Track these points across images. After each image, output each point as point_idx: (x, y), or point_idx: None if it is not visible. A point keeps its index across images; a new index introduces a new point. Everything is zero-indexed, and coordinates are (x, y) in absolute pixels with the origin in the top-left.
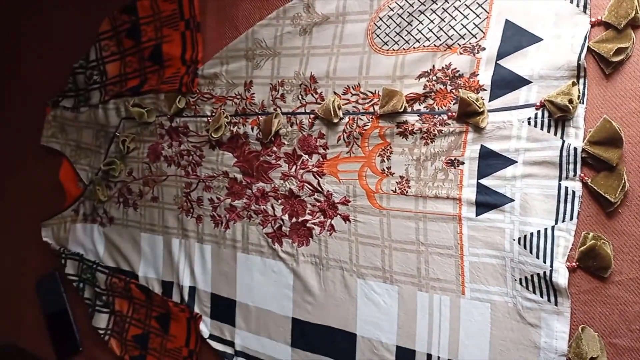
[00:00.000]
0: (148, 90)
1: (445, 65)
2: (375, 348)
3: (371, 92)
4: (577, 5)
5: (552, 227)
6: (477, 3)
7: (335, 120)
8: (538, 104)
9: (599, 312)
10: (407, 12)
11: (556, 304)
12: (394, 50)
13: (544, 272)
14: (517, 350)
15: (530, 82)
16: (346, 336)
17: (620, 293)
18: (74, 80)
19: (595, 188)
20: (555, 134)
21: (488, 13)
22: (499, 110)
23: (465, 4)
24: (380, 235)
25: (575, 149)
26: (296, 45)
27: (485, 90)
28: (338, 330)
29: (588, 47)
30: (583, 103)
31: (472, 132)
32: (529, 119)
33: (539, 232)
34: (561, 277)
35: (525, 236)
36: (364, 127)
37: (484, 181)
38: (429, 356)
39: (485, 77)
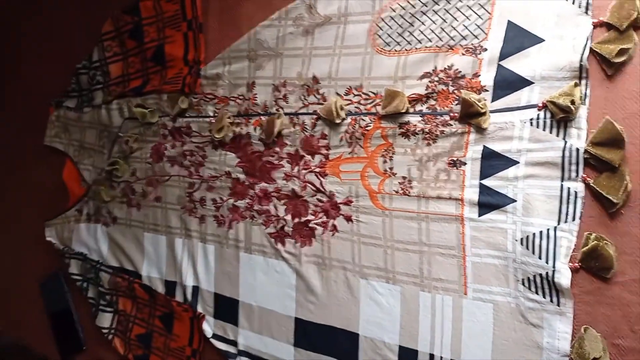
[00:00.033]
0: (151, 90)
1: (448, 66)
2: (377, 348)
3: (373, 93)
4: (579, 7)
5: (555, 228)
6: (479, 4)
7: (338, 121)
8: (540, 104)
9: (602, 313)
10: (409, 13)
11: (559, 305)
12: (396, 51)
13: (547, 273)
14: (519, 351)
15: (533, 82)
16: (349, 336)
17: (622, 294)
18: (77, 81)
19: (598, 189)
20: (558, 135)
21: (490, 14)
22: (501, 111)
23: (467, 5)
24: (383, 235)
25: (577, 149)
26: (298, 46)
27: (488, 91)
28: (341, 330)
29: (590, 48)
30: (585, 104)
31: (474, 133)
32: (531, 119)
33: (541, 232)
34: (564, 278)
35: (527, 237)
36: (367, 128)
37: (486, 182)
38: (432, 356)
39: (487, 78)
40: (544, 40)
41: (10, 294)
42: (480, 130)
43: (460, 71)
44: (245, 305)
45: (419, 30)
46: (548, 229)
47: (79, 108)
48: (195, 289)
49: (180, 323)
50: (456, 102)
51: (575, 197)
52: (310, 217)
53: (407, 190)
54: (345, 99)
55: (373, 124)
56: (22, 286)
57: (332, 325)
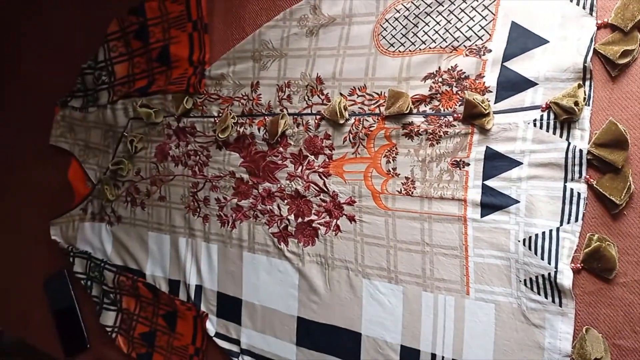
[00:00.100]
0: (156, 90)
1: (451, 66)
2: (380, 347)
3: (377, 94)
4: (584, 8)
5: (557, 229)
6: (483, 5)
7: (341, 121)
8: (544, 105)
9: (604, 314)
10: (413, 13)
11: (560, 305)
12: (400, 51)
13: (549, 274)
14: (521, 351)
15: (536, 84)
16: (351, 335)
17: (624, 295)
18: (82, 81)
19: (601, 190)
20: (561, 136)
21: (494, 15)
22: (505, 112)
23: (471, 6)
24: (386, 235)
25: (580, 151)
26: (303, 47)
27: (491, 92)
28: (343, 330)
29: (594, 49)
30: (589, 105)
31: (478, 134)
32: (535, 120)
33: (544, 233)
34: (566, 279)
35: (530, 237)
36: (370, 128)
37: (489, 182)
38: (434, 356)
39: (491, 79)
40: (548, 42)
41: (13, 293)
42: (484, 131)
43: (464, 72)
44: (248, 304)
45: (423, 31)
46: (551, 230)
47: (84, 108)
48: (199, 288)
49: (184, 322)
50: (460, 103)
51: (578, 198)
52: (313, 217)
53: (410, 190)
54: (349, 100)
55: (377, 124)
56: (26, 285)
57: (335, 324)
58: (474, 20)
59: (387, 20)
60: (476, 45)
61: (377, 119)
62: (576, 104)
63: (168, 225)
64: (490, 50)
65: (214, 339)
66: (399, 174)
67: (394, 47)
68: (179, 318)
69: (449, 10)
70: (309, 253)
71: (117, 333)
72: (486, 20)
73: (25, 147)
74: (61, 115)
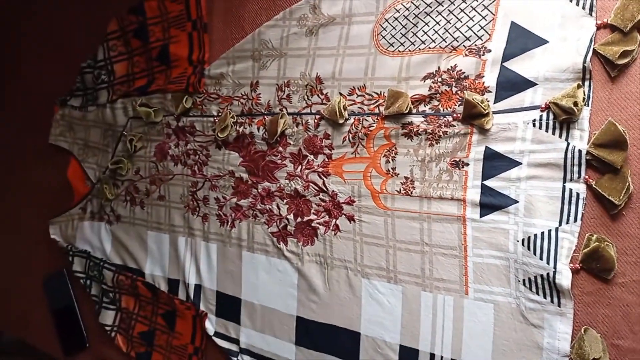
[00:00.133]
0: (155, 90)
1: (451, 66)
2: (378, 347)
3: (376, 93)
4: (583, 8)
5: (556, 229)
6: (483, 5)
7: (341, 121)
8: (543, 106)
9: (602, 314)
10: (413, 13)
11: (559, 305)
12: (399, 51)
13: (548, 274)
14: (519, 351)
15: (536, 84)
16: (350, 335)
17: (623, 295)
18: (82, 80)
19: (600, 190)
20: (560, 136)
21: (494, 15)
22: (504, 112)
23: (471, 6)
24: (385, 235)
25: (580, 151)
26: (302, 46)
27: (491, 92)
28: (342, 329)
29: (594, 49)
30: (588, 105)
31: (477, 134)
32: (534, 121)
33: (542, 233)
34: (564, 279)
35: (529, 237)
36: (369, 128)
37: (488, 182)
38: (432, 356)
39: (490, 79)
40: (547, 42)
41: (13, 293)
42: (483, 131)
43: (464, 72)
44: (248, 303)
45: (423, 31)
46: (550, 230)
47: (84, 107)
48: (198, 287)
49: (183, 321)
50: (459, 103)
51: (577, 198)
52: (312, 217)
53: (409, 190)
54: (349, 99)
55: (376, 124)
56: (26, 285)
57: (334, 324)
58: (473, 20)
59: (386, 20)
60: (476, 45)
61: (377, 119)
62: (575, 104)
63: (167, 225)
64: (489, 50)
65: (213, 338)
66: (399, 174)
67: (393, 46)
68: (178, 317)
69: (448, 10)
70: (308, 253)
71: (117, 332)
72: (486, 20)
73: (25, 147)
74: (60, 114)
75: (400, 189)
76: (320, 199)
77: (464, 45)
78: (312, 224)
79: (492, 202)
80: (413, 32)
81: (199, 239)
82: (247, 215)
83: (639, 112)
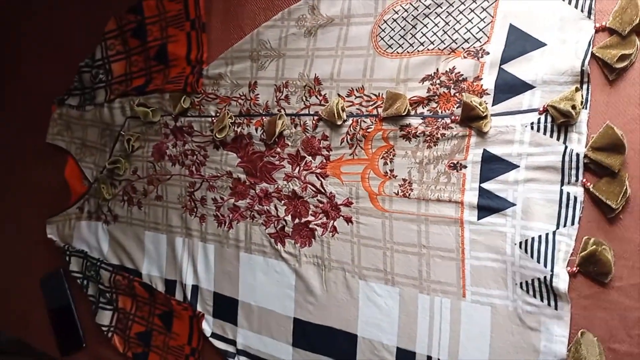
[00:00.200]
0: (153, 89)
1: (449, 68)
2: (375, 349)
3: (375, 95)
4: (582, 11)
5: (554, 232)
6: (482, 7)
7: (339, 122)
8: (541, 109)
9: (599, 317)
10: (412, 15)
11: (556, 309)
12: (398, 53)
13: (545, 277)
14: (516, 354)
15: (534, 87)
16: (347, 337)
17: (620, 299)
18: (79, 79)
19: (597, 194)
20: (558, 139)
21: (492, 17)
22: (502, 114)
23: (470, 8)
24: (382, 237)
25: (577, 154)
26: (301, 47)
27: (489, 94)
28: (339, 331)
29: (592, 53)
30: (586, 109)
31: (475, 136)
32: (532, 123)
33: (540, 236)
34: (561, 282)
35: (526, 240)
36: (368, 130)
37: (486, 185)
38: (429, 358)
39: (488, 82)
40: (546, 45)
41: (13, 293)
42: (481, 133)
43: (462, 74)
44: (245, 304)
45: (421, 32)
46: (547, 233)
47: (81, 106)
48: (195, 288)
49: (180, 322)
50: (457, 105)
51: (575, 201)
52: (310, 218)
53: (407, 192)
54: (347, 101)
55: (374, 125)
56: (25, 285)
57: (331, 326)
58: (472, 23)
59: (385, 22)
60: (474, 47)
61: (375, 121)
62: (573, 107)
63: (165, 225)
64: (488, 53)
65: (210, 339)
66: (396, 176)
67: (392, 48)
68: (175, 318)
69: (447, 12)
70: (305, 254)
71: (113, 332)
72: (484, 22)
73: (25, 147)
74: (58, 113)
75: (398, 191)
76: (318, 200)
77: (462, 48)
78: (310, 226)
79: (489, 205)
80: (412, 34)
81: (196, 240)
82: (244, 216)
83: (637, 116)
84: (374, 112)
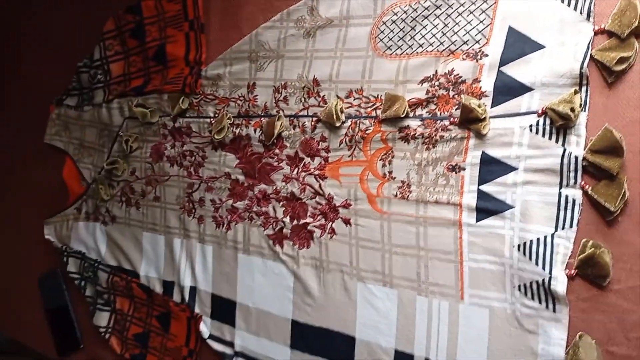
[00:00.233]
0: (151, 90)
1: (448, 70)
2: (373, 351)
3: (374, 96)
4: (581, 13)
5: (552, 235)
6: (481, 9)
7: (338, 124)
8: (540, 111)
9: (597, 320)
10: (411, 17)
11: (554, 311)
12: (397, 54)
13: (543, 280)
14: (514, 356)
15: (533, 89)
16: (345, 339)
17: (618, 301)
18: (78, 79)
19: (596, 197)
20: (557, 142)
21: (491, 19)
22: (501, 116)
23: (469, 10)
24: (381, 239)
25: (576, 157)
26: (300, 48)
27: (488, 96)
28: (337, 333)
29: (591, 55)
30: (585, 111)
31: (474, 138)
32: (531, 126)
33: (538, 239)
34: (560, 285)
35: (525, 243)
36: (366, 131)
37: (484, 187)
38: None
39: (487, 84)
40: (545, 47)
41: (9, 294)
42: (480, 135)
43: (461, 76)
44: (243, 306)
45: (420, 34)
46: (545, 236)
47: (80, 106)
48: (193, 290)
49: (178, 323)
50: (456, 107)
51: (573, 204)
52: (308, 220)
53: (405, 194)
54: (346, 102)
55: (373, 127)
56: (21, 286)
57: (329, 328)
58: (471, 24)
59: (384, 23)
60: (473, 49)
61: (374, 122)
62: (572, 110)
63: (163, 226)
64: (487, 55)
65: (208, 341)
66: (395, 178)
67: (391, 49)
68: (173, 319)
69: (446, 13)
70: (304, 255)
71: (111, 334)
72: (483, 24)
73: (25, 147)
74: (56, 113)
75: (396, 193)
76: (316, 201)
77: (461, 49)
78: (308, 227)
79: (488, 207)
80: (411, 35)
81: (194, 241)
82: (243, 217)
83: (636, 119)
84: (373, 113)
